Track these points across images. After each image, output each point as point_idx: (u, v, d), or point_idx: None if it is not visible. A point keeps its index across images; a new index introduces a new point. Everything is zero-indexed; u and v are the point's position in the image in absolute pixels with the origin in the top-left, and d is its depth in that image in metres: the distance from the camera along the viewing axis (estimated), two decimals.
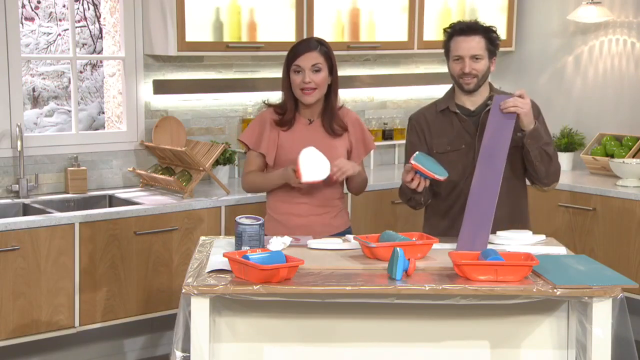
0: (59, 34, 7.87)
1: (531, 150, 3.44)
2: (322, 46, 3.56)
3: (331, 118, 3.60)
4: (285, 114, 3.60)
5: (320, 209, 3.63)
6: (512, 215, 3.58)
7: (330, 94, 3.60)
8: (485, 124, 3.50)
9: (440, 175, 3.36)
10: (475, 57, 3.48)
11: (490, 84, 3.64)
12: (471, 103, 3.58)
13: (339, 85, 3.64)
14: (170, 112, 5.04)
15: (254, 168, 3.67)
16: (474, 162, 3.51)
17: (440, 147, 3.57)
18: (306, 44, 3.56)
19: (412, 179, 3.37)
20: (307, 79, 3.49)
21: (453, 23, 3.59)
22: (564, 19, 5.73)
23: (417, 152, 3.39)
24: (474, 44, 3.48)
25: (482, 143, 3.39)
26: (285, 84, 3.59)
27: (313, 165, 3.45)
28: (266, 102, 3.74)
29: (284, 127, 3.61)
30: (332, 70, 3.58)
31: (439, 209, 3.66)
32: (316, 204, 3.62)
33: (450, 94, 3.64)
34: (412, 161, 3.34)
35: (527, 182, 3.70)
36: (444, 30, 3.60)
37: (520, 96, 3.36)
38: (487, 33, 3.52)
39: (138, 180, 4.96)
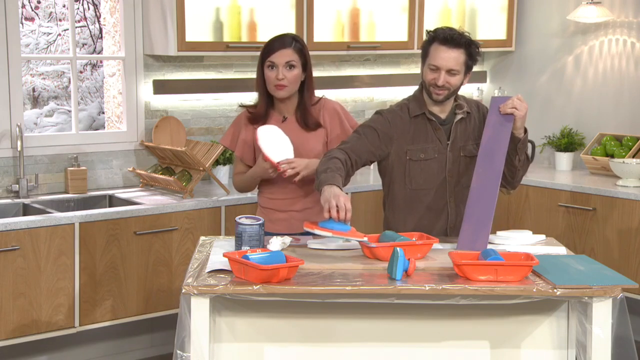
0: (59, 34, 7.88)
1: (520, 154, 3.42)
2: (296, 43, 3.54)
3: (305, 114, 3.60)
4: (256, 107, 3.61)
5: (299, 205, 3.63)
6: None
7: (304, 90, 3.59)
8: (456, 135, 3.46)
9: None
10: (451, 71, 3.37)
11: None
12: (440, 111, 3.48)
13: (313, 82, 3.61)
14: (170, 112, 5.04)
15: (242, 168, 3.71)
16: (445, 172, 3.47)
17: (414, 155, 3.45)
18: (281, 41, 3.53)
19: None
20: (280, 75, 3.49)
21: (438, 28, 3.45)
22: (564, 19, 5.73)
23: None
24: (454, 56, 3.36)
25: (481, 142, 3.38)
26: (260, 80, 3.58)
27: (275, 143, 3.46)
28: (241, 104, 3.74)
29: (256, 124, 3.60)
30: (305, 67, 3.56)
31: (405, 220, 3.52)
32: (296, 200, 3.62)
33: (419, 98, 3.50)
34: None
35: None
36: (427, 32, 3.47)
37: (518, 100, 3.35)
38: (469, 48, 3.39)
39: (138, 180, 4.96)
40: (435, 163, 3.46)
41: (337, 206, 3.05)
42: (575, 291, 2.79)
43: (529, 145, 3.47)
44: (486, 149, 3.35)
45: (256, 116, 3.62)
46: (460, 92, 3.53)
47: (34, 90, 7.86)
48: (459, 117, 3.48)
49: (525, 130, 3.41)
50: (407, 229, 3.46)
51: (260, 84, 3.59)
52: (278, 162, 3.44)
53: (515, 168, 3.46)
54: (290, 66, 3.50)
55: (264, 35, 4.92)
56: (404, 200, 3.51)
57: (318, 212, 3.64)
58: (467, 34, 3.42)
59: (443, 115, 3.49)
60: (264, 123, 3.59)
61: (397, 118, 3.48)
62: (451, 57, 3.36)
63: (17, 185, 4.57)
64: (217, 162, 4.95)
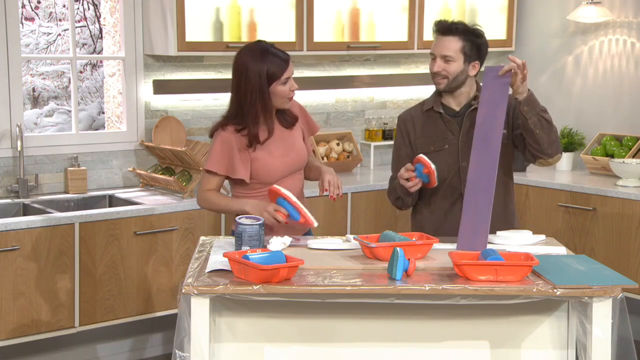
0: (59, 34, 7.87)
1: (529, 117, 3.33)
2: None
3: (282, 113, 3.53)
4: (251, 131, 3.43)
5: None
6: (497, 214, 3.51)
7: None
8: (469, 124, 3.49)
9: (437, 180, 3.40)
10: (445, 58, 3.45)
11: (477, 83, 3.59)
12: (456, 103, 3.57)
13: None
14: (170, 112, 5.04)
15: (214, 187, 3.50)
16: (458, 162, 3.52)
17: (423, 148, 3.55)
18: (283, 56, 3.42)
19: (409, 179, 3.39)
20: (295, 85, 3.44)
21: (437, 20, 3.56)
22: (564, 19, 5.73)
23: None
24: (446, 45, 3.45)
25: (476, 123, 3.34)
26: (263, 99, 3.40)
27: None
28: (219, 125, 3.53)
29: (252, 146, 3.46)
30: None
31: (424, 209, 3.65)
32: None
33: (437, 93, 3.62)
34: (421, 156, 3.36)
35: (525, 168, 3.68)
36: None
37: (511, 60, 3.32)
38: (467, 36, 3.45)
39: (138, 180, 4.96)
40: (446, 154, 3.53)
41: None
42: (575, 291, 2.79)
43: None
44: (481, 130, 3.29)
45: (254, 138, 3.44)
46: None
47: (34, 90, 7.86)
48: (472, 107, 3.53)
49: (529, 91, 3.35)
50: (437, 217, 3.57)
51: (268, 106, 3.42)
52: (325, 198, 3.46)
53: (532, 133, 3.36)
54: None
55: (264, 36, 4.92)
56: (424, 191, 3.58)
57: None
58: (463, 23, 3.51)
59: (457, 108, 3.57)
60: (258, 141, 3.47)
61: (408, 116, 3.66)
62: (443, 44, 3.47)
63: (17, 185, 4.57)
64: None
